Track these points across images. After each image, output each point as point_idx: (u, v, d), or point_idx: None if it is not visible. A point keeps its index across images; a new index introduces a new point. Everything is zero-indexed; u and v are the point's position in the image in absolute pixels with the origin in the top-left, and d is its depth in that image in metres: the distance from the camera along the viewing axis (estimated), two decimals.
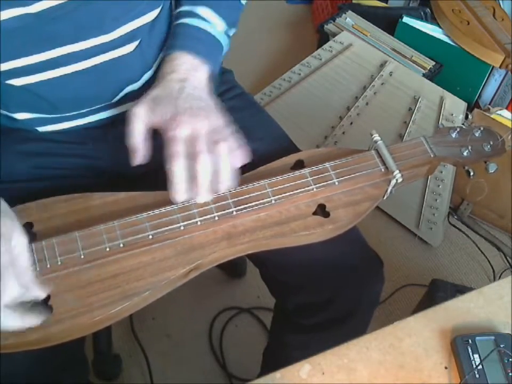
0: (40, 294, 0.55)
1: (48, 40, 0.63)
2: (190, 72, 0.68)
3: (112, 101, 0.73)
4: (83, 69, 0.67)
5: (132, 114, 0.64)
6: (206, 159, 0.60)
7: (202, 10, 0.72)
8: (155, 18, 0.71)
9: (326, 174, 0.66)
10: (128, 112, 0.64)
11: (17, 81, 0.66)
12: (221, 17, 0.73)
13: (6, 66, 0.64)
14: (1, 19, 0.59)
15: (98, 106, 0.73)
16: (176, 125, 0.61)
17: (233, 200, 0.63)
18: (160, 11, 0.72)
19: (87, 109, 0.73)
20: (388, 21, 1.67)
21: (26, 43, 0.62)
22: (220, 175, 0.61)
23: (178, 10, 0.74)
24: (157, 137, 0.79)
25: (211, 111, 0.65)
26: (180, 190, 0.60)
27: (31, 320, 0.54)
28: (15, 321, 0.52)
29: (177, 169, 0.59)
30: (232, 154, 0.61)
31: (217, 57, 0.74)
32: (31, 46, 0.63)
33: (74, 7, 0.62)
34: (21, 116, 0.72)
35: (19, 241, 0.53)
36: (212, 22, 0.72)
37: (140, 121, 0.64)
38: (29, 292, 0.54)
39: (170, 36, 0.72)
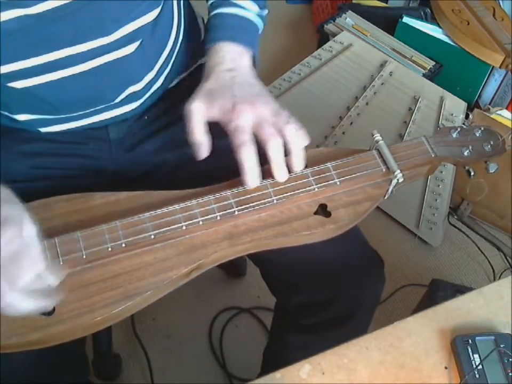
0: (54, 280, 0.55)
1: (48, 42, 0.63)
2: (236, 61, 0.69)
3: (114, 102, 0.73)
4: (84, 71, 0.67)
5: (190, 110, 0.64)
6: (278, 141, 0.61)
7: None
8: (156, 18, 0.71)
9: (328, 174, 0.66)
10: (186, 107, 0.64)
11: (18, 84, 0.66)
12: (252, 0, 0.74)
13: (7, 69, 0.63)
14: (1, 20, 0.58)
15: (100, 107, 0.73)
16: (238, 115, 0.62)
17: (235, 200, 0.63)
18: (160, 11, 0.72)
19: (89, 110, 0.73)
20: (388, 21, 1.67)
21: (26, 45, 0.62)
22: (293, 157, 0.62)
23: (211, 1, 0.75)
24: (158, 137, 0.79)
25: (267, 96, 0.66)
26: (254, 175, 0.61)
27: (45, 303, 0.53)
28: (29, 305, 0.52)
29: (249, 156, 0.60)
30: (297, 135, 0.63)
31: (255, 40, 0.74)
32: (32, 48, 0.63)
33: (75, 8, 0.61)
34: (22, 117, 0.72)
35: (30, 227, 0.53)
36: (246, 7, 0.73)
37: (199, 116, 0.64)
38: (43, 278, 0.53)
39: (209, 29, 0.72)
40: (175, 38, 0.77)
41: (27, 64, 0.64)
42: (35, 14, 0.59)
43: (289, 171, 0.63)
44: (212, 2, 0.75)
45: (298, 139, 0.63)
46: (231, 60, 0.69)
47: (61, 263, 0.58)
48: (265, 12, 0.78)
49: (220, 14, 0.73)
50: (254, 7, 0.74)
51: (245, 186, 0.63)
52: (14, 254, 0.50)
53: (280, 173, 0.62)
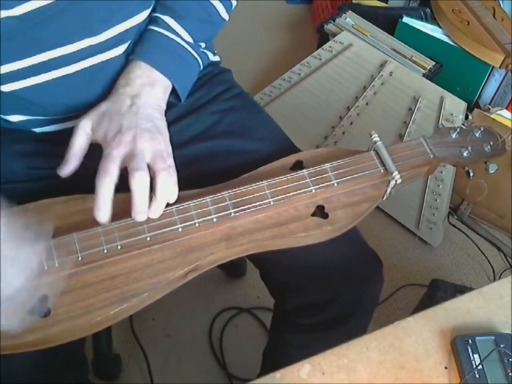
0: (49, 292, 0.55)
1: (33, 44, 0.62)
2: (145, 88, 0.66)
3: None
4: (71, 73, 0.66)
5: (77, 127, 0.63)
6: (142, 175, 0.58)
7: (169, 21, 0.70)
8: (146, 19, 0.70)
9: (325, 175, 0.66)
10: (76, 122, 0.63)
11: (5, 87, 0.65)
12: (188, 32, 0.71)
13: None
14: None
15: (91, 108, 0.73)
16: (116, 144, 0.60)
17: (232, 201, 0.63)
18: (150, 12, 0.71)
19: (80, 111, 0.73)
20: (388, 21, 1.67)
21: (11, 48, 0.61)
22: (154, 203, 0.59)
23: (151, 15, 0.72)
24: None
25: (158, 133, 0.62)
26: (101, 208, 0.58)
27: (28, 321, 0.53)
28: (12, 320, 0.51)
29: (104, 187, 0.58)
30: (167, 187, 0.60)
31: (180, 68, 0.71)
32: (17, 51, 0.62)
33: (59, 9, 0.60)
34: (15, 118, 0.71)
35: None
36: (178, 32, 0.70)
37: (83, 135, 0.63)
38: (37, 289, 0.53)
39: (137, 41, 0.70)
40: None
41: (13, 67, 0.62)
42: (18, 16, 0.58)
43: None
44: (151, 17, 0.71)
45: (166, 189, 0.59)
46: (140, 85, 0.66)
47: (57, 265, 0.58)
48: (203, 45, 0.75)
49: (150, 30, 0.70)
50: (188, 37, 0.71)
51: (241, 188, 0.63)
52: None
53: (137, 209, 0.58)
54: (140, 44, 0.69)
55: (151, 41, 0.69)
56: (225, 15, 0.76)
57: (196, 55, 0.73)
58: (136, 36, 0.70)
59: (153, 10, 0.72)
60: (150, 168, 0.60)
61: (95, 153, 0.78)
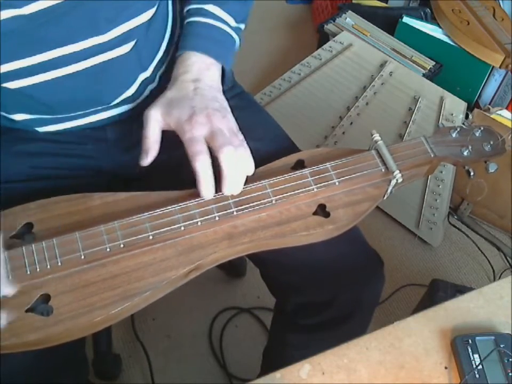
0: (8, 291, 0.55)
1: (41, 42, 0.63)
2: (203, 72, 0.68)
3: (110, 102, 0.73)
4: (78, 71, 0.67)
5: (148, 117, 0.64)
6: (230, 150, 0.61)
7: (211, 8, 0.72)
8: (151, 18, 0.71)
9: (327, 174, 0.66)
10: (144, 113, 0.65)
11: (11, 84, 0.65)
12: (229, 14, 0.73)
13: (0, 69, 0.63)
14: None
15: (96, 108, 0.73)
16: (193, 126, 0.62)
17: (233, 200, 0.63)
18: (156, 11, 0.71)
19: (85, 111, 0.73)
20: (388, 21, 1.67)
21: (19, 46, 0.62)
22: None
23: (186, 8, 0.74)
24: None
25: (227, 112, 0.66)
26: (208, 186, 0.61)
27: None
28: None
29: (203, 166, 0.60)
30: (246, 160, 0.63)
31: (228, 53, 0.74)
32: (25, 48, 0.63)
33: (67, 9, 0.61)
34: (19, 117, 0.72)
35: None
36: (222, 18, 0.72)
37: (156, 124, 0.64)
38: None
39: (181, 36, 0.72)
40: (169, 38, 0.77)
41: (20, 64, 0.63)
42: (27, 15, 0.59)
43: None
44: (188, 9, 0.74)
45: (245, 163, 0.63)
46: (197, 70, 0.68)
47: (59, 264, 0.58)
48: (242, 26, 0.77)
49: (193, 22, 0.72)
50: (230, 19, 0.73)
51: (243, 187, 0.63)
52: None
53: (229, 183, 0.61)
54: (188, 38, 0.71)
55: (198, 33, 0.71)
56: None
57: (237, 39, 0.76)
58: (144, 34, 0.70)
59: (186, 3, 0.74)
60: None
61: (98, 154, 0.78)
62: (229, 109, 0.67)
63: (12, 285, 0.56)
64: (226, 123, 0.64)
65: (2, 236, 0.57)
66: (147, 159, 0.64)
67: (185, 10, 0.74)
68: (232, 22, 0.74)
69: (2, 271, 0.55)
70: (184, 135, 0.62)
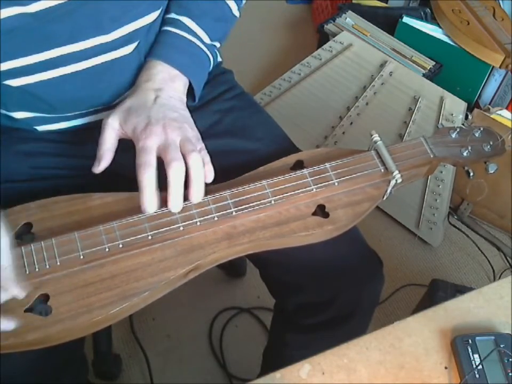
0: (19, 293, 0.55)
1: (46, 40, 0.63)
2: (166, 82, 0.68)
3: (111, 102, 0.73)
4: (81, 70, 0.67)
5: (104, 124, 0.64)
6: (179, 165, 0.59)
7: (186, 20, 0.72)
8: (153, 21, 0.71)
9: (326, 174, 0.66)
10: (103, 120, 0.65)
11: (14, 82, 0.66)
12: (204, 30, 0.72)
13: (4, 66, 0.63)
14: (0, 18, 0.58)
15: (96, 108, 0.73)
16: (147, 135, 0.61)
17: (232, 200, 0.63)
18: (159, 14, 0.72)
19: (86, 110, 0.73)
20: (388, 21, 1.67)
21: (23, 43, 0.62)
22: (192, 186, 0.61)
23: (165, 17, 0.73)
24: None
25: (184, 122, 0.65)
26: (149, 200, 0.59)
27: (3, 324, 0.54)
28: None
29: (146, 179, 0.59)
30: (200, 167, 0.61)
31: (197, 68, 0.73)
32: (29, 46, 0.63)
33: (73, 7, 0.61)
34: (19, 115, 0.72)
35: None
36: (195, 32, 0.72)
37: (112, 131, 0.64)
38: (7, 291, 0.54)
39: (153, 44, 0.72)
40: None
41: (24, 62, 0.64)
42: (33, 13, 0.59)
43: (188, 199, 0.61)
44: (166, 18, 0.73)
45: (199, 169, 0.61)
46: (161, 80, 0.68)
47: (58, 263, 0.58)
48: (217, 44, 0.76)
49: (166, 31, 0.72)
50: (204, 36, 0.73)
51: (242, 187, 0.63)
52: None
53: (173, 200, 0.60)
54: (158, 46, 0.71)
55: (169, 43, 0.71)
56: (236, 13, 0.77)
57: (210, 56, 0.75)
58: (145, 35, 0.71)
59: (167, 11, 0.73)
60: (182, 154, 0.61)
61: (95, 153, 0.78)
62: (189, 119, 0.66)
63: (22, 286, 0.56)
64: (183, 133, 0.63)
65: (5, 239, 0.56)
66: (99, 167, 0.64)
67: (165, 17, 0.74)
68: (206, 38, 0.73)
69: (12, 272, 0.55)
70: (138, 144, 0.62)
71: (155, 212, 0.61)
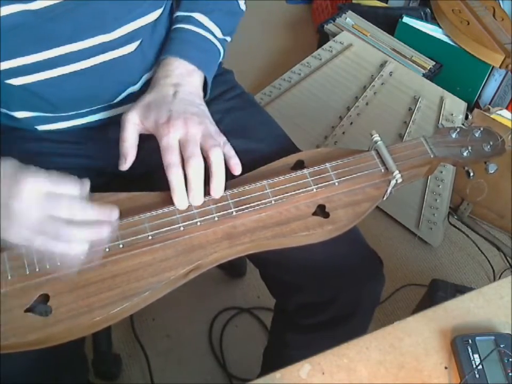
0: (92, 212, 0.56)
1: (48, 39, 0.63)
2: (184, 78, 0.68)
3: (112, 101, 0.73)
4: (83, 69, 0.67)
5: (125, 120, 0.64)
6: (197, 162, 0.60)
7: (198, 16, 0.72)
8: (157, 19, 0.71)
9: (326, 174, 0.66)
10: (122, 117, 0.65)
11: (16, 81, 0.66)
12: (216, 24, 0.73)
13: (5, 65, 0.63)
14: (1, 15, 0.58)
15: (98, 106, 0.73)
16: (169, 130, 0.62)
17: (233, 200, 0.63)
18: (162, 12, 0.72)
19: (87, 109, 0.73)
20: (388, 21, 1.67)
21: (26, 42, 0.62)
22: (212, 181, 0.62)
23: (176, 14, 0.74)
24: (154, 139, 0.79)
25: (204, 117, 0.65)
26: (181, 197, 0.61)
27: (96, 234, 0.55)
28: (83, 234, 0.54)
29: (175, 178, 0.60)
30: (226, 161, 0.63)
31: (211, 63, 0.74)
32: (30, 45, 0.63)
33: (75, 6, 0.61)
34: (20, 114, 0.72)
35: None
36: (208, 28, 0.73)
37: (133, 127, 0.64)
38: (81, 210, 0.55)
39: (167, 41, 0.72)
40: None
41: (26, 60, 0.64)
42: (35, 10, 0.59)
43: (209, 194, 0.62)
44: (176, 16, 0.74)
45: (221, 164, 0.62)
46: (179, 75, 0.68)
47: (58, 263, 0.58)
48: (228, 38, 0.78)
49: (180, 28, 0.72)
50: (217, 30, 0.74)
51: (242, 187, 0.63)
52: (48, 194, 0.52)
53: (194, 195, 0.61)
54: (173, 43, 0.71)
55: (184, 39, 0.72)
56: (243, 6, 0.79)
57: (222, 51, 0.76)
58: (150, 34, 0.71)
59: (177, 10, 0.74)
60: (202, 150, 0.62)
61: (98, 153, 0.78)
62: (208, 114, 0.67)
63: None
64: (204, 128, 0.64)
65: None
66: (125, 164, 0.64)
67: (174, 16, 0.75)
68: (218, 33, 0.74)
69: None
70: (161, 140, 0.62)
71: (155, 212, 0.61)
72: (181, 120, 0.62)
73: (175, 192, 0.61)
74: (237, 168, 0.65)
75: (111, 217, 0.57)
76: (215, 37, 0.74)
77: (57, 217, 0.53)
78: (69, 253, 0.55)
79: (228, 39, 0.77)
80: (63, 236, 0.53)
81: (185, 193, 0.61)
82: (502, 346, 0.58)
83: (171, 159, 0.61)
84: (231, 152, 0.65)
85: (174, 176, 0.60)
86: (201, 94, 0.70)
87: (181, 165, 0.61)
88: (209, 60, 0.73)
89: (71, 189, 0.54)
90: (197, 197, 0.61)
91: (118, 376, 1.22)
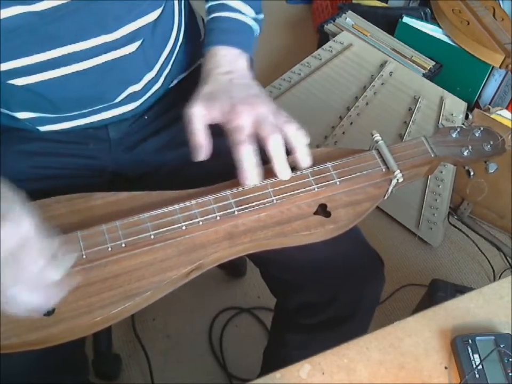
0: (56, 275, 0.52)
1: (50, 39, 0.63)
2: (233, 63, 0.70)
3: (114, 101, 0.73)
4: (85, 69, 0.67)
5: (192, 114, 0.65)
6: (278, 137, 0.62)
7: (230, 2, 0.74)
8: (157, 17, 0.71)
9: (327, 174, 0.66)
10: (186, 111, 0.65)
11: (18, 81, 0.66)
12: (249, 5, 0.75)
13: (8, 66, 0.63)
14: (5, 17, 0.58)
15: (99, 106, 0.73)
16: (237, 115, 0.63)
17: (234, 200, 0.63)
18: (162, 11, 0.72)
19: (89, 109, 0.73)
20: (388, 21, 1.68)
21: (28, 42, 0.62)
22: (298, 153, 0.63)
23: (208, 5, 0.75)
24: (158, 137, 0.79)
25: (265, 97, 0.67)
26: (252, 173, 0.61)
27: (48, 299, 0.52)
28: (31, 299, 0.50)
29: (247, 155, 0.61)
30: (298, 134, 0.64)
31: (251, 43, 0.76)
32: (33, 45, 0.63)
33: (77, 6, 0.61)
34: (22, 115, 0.72)
35: (28, 223, 0.51)
36: (242, 11, 0.74)
37: (200, 119, 0.65)
38: (45, 273, 0.52)
39: (206, 33, 0.74)
40: (175, 38, 0.78)
41: (29, 61, 0.64)
42: (38, 11, 0.60)
43: (296, 168, 0.64)
44: (209, 6, 0.75)
45: (300, 136, 0.64)
46: (228, 62, 0.70)
47: None
48: (261, 16, 0.79)
49: (216, 17, 0.74)
50: (250, 11, 0.75)
51: (244, 186, 0.63)
52: (14, 250, 0.49)
53: (282, 170, 0.62)
54: (214, 33, 0.73)
55: (224, 27, 0.73)
56: None
57: (258, 30, 0.78)
58: (151, 33, 0.71)
59: (206, 1, 0.76)
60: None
61: (99, 153, 0.78)
62: (265, 93, 0.68)
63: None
64: (268, 106, 0.65)
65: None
66: (202, 154, 0.64)
67: (206, 6, 0.76)
68: (252, 13, 0.76)
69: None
70: (230, 125, 0.63)
71: (156, 212, 0.61)
72: (246, 104, 0.64)
73: (246, 169, 0.61)
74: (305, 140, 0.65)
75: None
76: (250, 17, 0.75)
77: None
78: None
79: (261, 16, 0.79)
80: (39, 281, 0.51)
81: (255, 170, 0.61)
82: (502, 346, 0.58)
83: (241, 137, 0.62)
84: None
85: (245, 151, 0.61)
86: (252, 74, 0.72)
87: (251, 143, 0.62)
88: (250, 41, 0.75)
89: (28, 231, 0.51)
90: (284, 172, 0.62)
91: (118, 376, 1.22)
